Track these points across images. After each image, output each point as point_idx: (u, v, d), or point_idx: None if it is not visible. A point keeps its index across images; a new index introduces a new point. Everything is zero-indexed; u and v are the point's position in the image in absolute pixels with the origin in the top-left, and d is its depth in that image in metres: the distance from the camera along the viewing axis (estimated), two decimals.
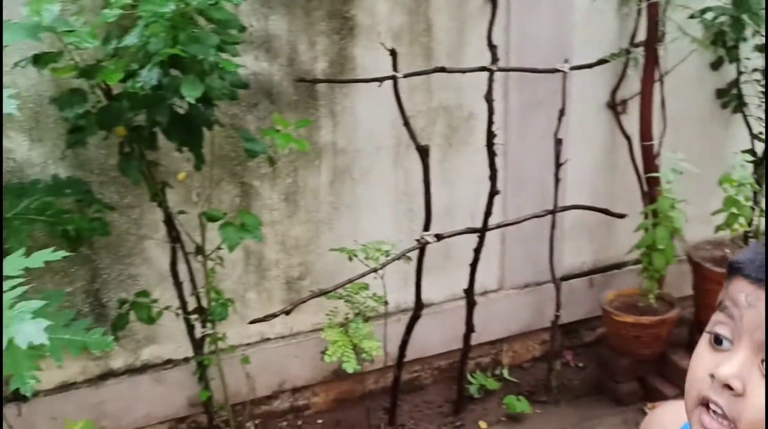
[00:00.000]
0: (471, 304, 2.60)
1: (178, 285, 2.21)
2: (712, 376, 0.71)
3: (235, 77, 1.80)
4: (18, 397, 2.26)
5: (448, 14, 2.52)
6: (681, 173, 2.55)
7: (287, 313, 2.20)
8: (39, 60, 1.73)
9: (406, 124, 2.35)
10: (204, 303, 2.21)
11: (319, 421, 2.70)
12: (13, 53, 1.81)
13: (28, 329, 1.12)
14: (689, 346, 2.67)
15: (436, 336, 2.77)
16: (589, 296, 3.00)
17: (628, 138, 2.84)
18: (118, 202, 2.22)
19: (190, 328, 2.25)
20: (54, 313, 1.52)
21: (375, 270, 2.30)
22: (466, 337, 2.65)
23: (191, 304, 2.24)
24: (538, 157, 2.69)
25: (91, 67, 1.73)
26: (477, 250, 2.53)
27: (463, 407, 2.72)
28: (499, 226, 2.55)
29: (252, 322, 2.28)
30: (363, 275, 2.35)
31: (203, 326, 2.23)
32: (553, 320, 2.76)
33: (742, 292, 0.72)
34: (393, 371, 2.67)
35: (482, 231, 2.50)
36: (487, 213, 2.48)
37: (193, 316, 2.23)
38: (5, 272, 1.25)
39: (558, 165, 2.59)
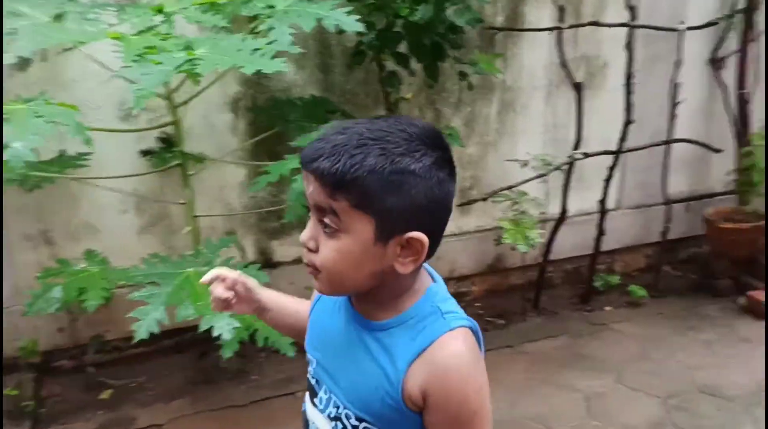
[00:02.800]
0: (603, 212, 3.30)
1: None
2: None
3: (476, 14, 2.52)
4: (269, 265, 3.00)
5: None
6: None
7: (484, 199, 2.93)
8: None
9: (564, 65, 3.07)
10: None
11: (477, 304, 3.40)
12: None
13: None
14: None
15: (567, 243, 3.46)
16: (685, 219, 3.68)
17: (725, 89, 3.52)
18: (358, 116, 2.95)
19: None
20: None
21: (542, 175, 3.03)
22: (597, 240, 3.35)
23: None
24: (656, 101, 3.37)
25: (384, 2, 2.44)
26: (611, 168, 3.23)
27: (591, 298, 3.42)
28: (630, 151, 3.25)
29: None
30: (528, 181, 3.07)
31: None
32: (662, 231, 3.45)
33: (305, 180, 0.96)
34: (536, 269, 3.39)
35: (617, 153, 3.20)
36: (622, 138, 3.18)
37: None
38: None
39: (674, 104, 3.28)
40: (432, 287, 1.03)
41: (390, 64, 2.70)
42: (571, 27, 3.03)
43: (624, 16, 3.14)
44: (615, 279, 3.49)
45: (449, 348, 0.95)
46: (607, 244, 3.52)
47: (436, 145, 0.96)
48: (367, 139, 0.92)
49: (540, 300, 3.38)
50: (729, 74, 3.50)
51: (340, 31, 2.24)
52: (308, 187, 0.95)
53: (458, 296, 3.48)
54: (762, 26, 3.40)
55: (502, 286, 3.50)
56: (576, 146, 3.15)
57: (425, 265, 1.05)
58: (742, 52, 3.42)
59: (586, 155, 3.13)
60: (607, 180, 3.25)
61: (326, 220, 0.94)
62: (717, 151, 3.48)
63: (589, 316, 3.31)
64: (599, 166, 3.23)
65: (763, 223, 3.29)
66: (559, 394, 2.70)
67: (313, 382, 1.11)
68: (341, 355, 1.05)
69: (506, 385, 2.70)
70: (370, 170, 0.90)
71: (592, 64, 3.33)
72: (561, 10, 2.97)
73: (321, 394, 1.08)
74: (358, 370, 1.01)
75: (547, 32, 3.11)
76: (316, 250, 0.97)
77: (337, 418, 1.04)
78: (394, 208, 0.92)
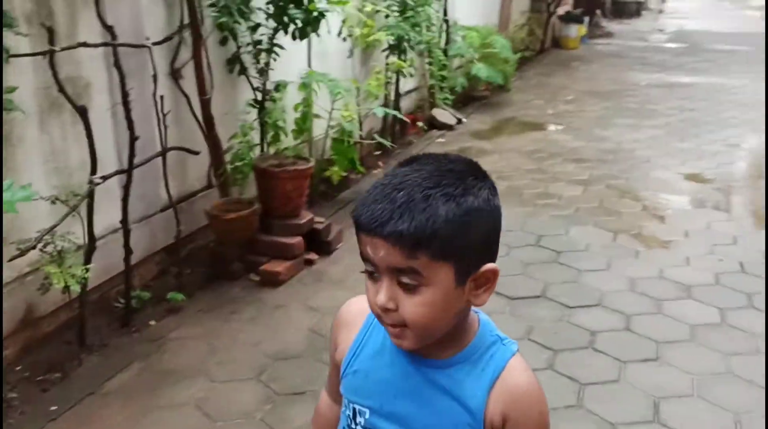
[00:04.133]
0: (127, 232, 3.29)
1: None
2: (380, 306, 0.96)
3: None
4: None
5: (64, 1, 3.09)
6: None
7: (34, 248, 2.58)
8: None
9: (61, 89, 2.90)
10: None
11: (18, 368, 2.98)
12: None
13: None
14: (263, 228, 3.95)
15: (92, 271, 3.32)
16: (183, 220, 3.94)
17: (186, 96, 3.87)
18: None
19: None
20: None
21: (75, 207, 2.84)
22: (126, 260, 3.33)
23: None
24: (143, 114, 3.48)
25: None
26: (126, 187, 3.24)
27: (132, 319, 3.39)
28: (138, 166, 3.30)
29: None
30: (64, 217, 2.84)
31: None
32: (176, 235, 3.65)
33: (366, 245, 0.94)
34: (68, 309, 3.17)
35: (129, 170, 3.23)
36: (131, 155, 3.22)
37: None
38: None
39: (164, 115, 3.46)
40: (483, 318, 1.08)
41: None
42: (64, 49, 2.87)
43: (98, 35, 3.15)
44: (146, 294, 3.53)
45: (519, 372, 1.02)
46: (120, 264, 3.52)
47: (483, 175, 0.99)
48: (427, 188, 0.92)
49: (85, 338, 3.18)
50: (188, 82, 3.86)
51: None
52: (376, 252, 0.93)
53: None
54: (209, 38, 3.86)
55: (36, 339, 3.14)
56: (93, 171, 3.04)
57: None
58: (197, 62, 3.81)
59: (105, 178, 3.06)
60: (125, 199, 3.25)
61: (405, 279, 0.93)
62: (196, 153, 3.83)
63: (142, 335, 3.30)
64: (103, 187, 3.19)
65: (256, 207, 3.83)
66: (177, 413, 2.71)
67: None
68: (409, 399, 1.04)
69: None
70: (444, 220, 0.91)
71: (77, 85, 3.21)
72: (50, 32, 2.78)
73: None
74: (433, 411, 1.02)
75: (29, 57, 2.86)
76: (396, 310, 0.95)
77: None
78: (469, 249, 0.95)
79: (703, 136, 6.93)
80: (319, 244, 4.12)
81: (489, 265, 0.98)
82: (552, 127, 7.44)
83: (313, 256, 4.06)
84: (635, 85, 9.76)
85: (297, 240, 3.92)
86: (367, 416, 1.08)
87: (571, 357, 3.08)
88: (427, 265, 0.93)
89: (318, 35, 4.23)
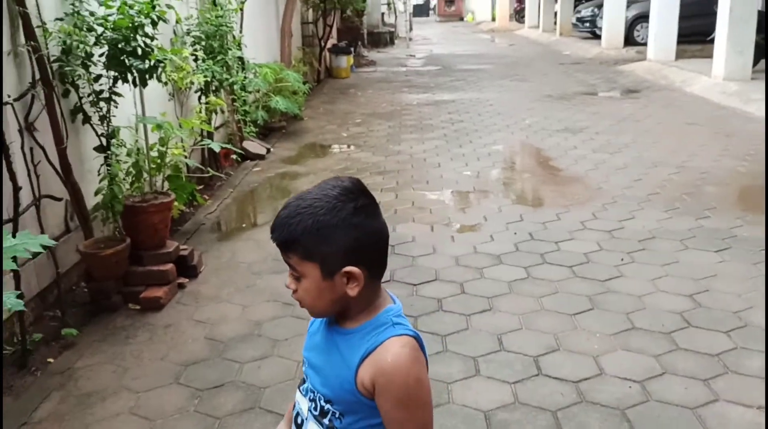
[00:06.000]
0: (18, 277, 3.48)
1: None
2: None
3: None
4: None
5: None
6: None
7: None
8: None
9: None
10: None
11: None
12: None
13: None
14: (133, 261, 4.25)
15: None
16: (47, 266, 4.11)
17: (42, 147, 4.07)
18: None
19: None
20: None
21: None
22: None
23: None
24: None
25: None
26: (14, 235, 3.43)
27: (26, 361, 3.55)
28: (21, 214, 3.49)
29: None
30: None
31: None
32: (55, 278, 3.85)
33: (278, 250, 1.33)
34: None
35: (15, 219, 3.43)
36: (16, 205, 3.42)
37: None
38: None
39: (35, 166, 3.67)
40: (390, 307, 1.40)
41: None
42: None
43: None
44: (38, 335, 3.70)
45: (392, 347, 1.31)
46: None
47: (353, 198, 1.32)
48: (302, 208, 1.31)
49: None
50: (41, 135, 4.07)
51: None
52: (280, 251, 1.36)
53: None
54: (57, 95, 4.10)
55: None
56: None
57: (388, 291, 1.44)
58: (51, 113, 4.04)
59: None
60: None
61: (293, 271, 1.36)
62: (59, 199, 4.06)
63: (45, 372, 3.47)
64: None
65: (127, 242, 4.14)
66: (117, 422, 3.02)
67: (304, 376, 1.49)
68: (322, 353, 1.43)
69: None
70: (302, 233, 1.29)
71: None
72: None
73: (306, 384, 1.46)
74: (330, 364, 1.39)
75: None
76: (295, 291, 1.37)
77: (312, 400, 1.42)
78: (328, 254, 1.30)
79: (476, 141, 8.28)
80: (186, 268, 4.51)
81: (348, 268, 1.31)
82: (351, 147, 8.34)
83: (183, 280, 4.44)
84: (409, 105, 11.10)
85: (170, 266, 4.29)
86: (305, 364, 1.49)
87: (429, 319, 3.86)
88: (299, 263, 1.33)
89: (159, 81, 4.63)
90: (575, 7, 22.15)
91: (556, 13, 23.35)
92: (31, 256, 3.93)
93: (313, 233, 1.29)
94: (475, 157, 7.55)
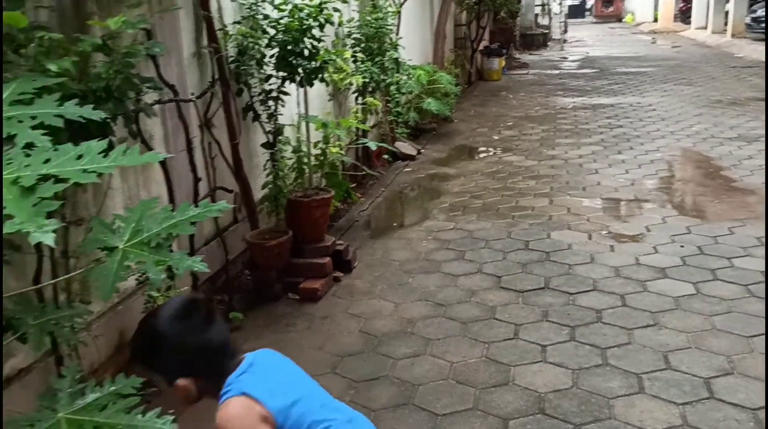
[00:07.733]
0: None
1: None
2: None
3: None
4: None
5: None
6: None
7: None
8: None
9: (144, 142, 3.35)
10: None
11: None
12: None
13: None
14: (294, 253, 4.43)
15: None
16: (218, 252, 4.38)
17: (218, 142, 4.34)
18: None
19: None
20: None
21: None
22: (195, 284, 3.74)
23: None
24: (184, 160, 3.94)
25: None
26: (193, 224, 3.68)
27: None
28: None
29: None
30: None
31: None
32: (224, 265, 4.09)
33: None
34: None
35: None
36: (195, 195, 3.67)
37: None
38: None
39: (212, 159, 3.93)
40: (234, 380, 1.73)
41: None
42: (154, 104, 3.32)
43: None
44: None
45: (220, 409, 1.69)
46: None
47: (186, 316, 1.75)
48: (146, 327, 1.77)
49: None
50: (219, 130, 4.35)
51: None
52: None
53: None
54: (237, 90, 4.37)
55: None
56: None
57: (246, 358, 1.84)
58: (227, 111, 4.30)
59: None
60: (191, 236, 3.68)
61: None
62: (230, 191, 4.31)
63: None
64: None
65: (290, 234, 4.32)
66: None
67: None
68: None
69: None
70: (134, 349, 1.81)
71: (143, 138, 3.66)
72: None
73: None
74: None
75: None
76: None
77: None
78: (157, 368, 1.73)
79: (637, 148, 7.88)
80: (341, 263, 4.64)
81: (178, 381, 1.73)
82: (499, 150, 8.22)
83: (338, 273, 4.57)
84: (564, 109, 10.77)
85: (327, 260, 4.43)
86: None
87: (587, 330, 3.71)
88: (145, 371, 1.76)
89: (322, 81, 4.79)
90: (750, 6, 20.52)
91: (727, 13, 21.75)
92: (211, 234, 4.24)
93: (139, 352, 1.80)
94: (636, 164, 7.18)
